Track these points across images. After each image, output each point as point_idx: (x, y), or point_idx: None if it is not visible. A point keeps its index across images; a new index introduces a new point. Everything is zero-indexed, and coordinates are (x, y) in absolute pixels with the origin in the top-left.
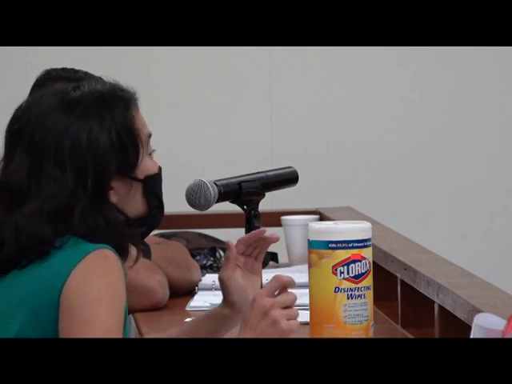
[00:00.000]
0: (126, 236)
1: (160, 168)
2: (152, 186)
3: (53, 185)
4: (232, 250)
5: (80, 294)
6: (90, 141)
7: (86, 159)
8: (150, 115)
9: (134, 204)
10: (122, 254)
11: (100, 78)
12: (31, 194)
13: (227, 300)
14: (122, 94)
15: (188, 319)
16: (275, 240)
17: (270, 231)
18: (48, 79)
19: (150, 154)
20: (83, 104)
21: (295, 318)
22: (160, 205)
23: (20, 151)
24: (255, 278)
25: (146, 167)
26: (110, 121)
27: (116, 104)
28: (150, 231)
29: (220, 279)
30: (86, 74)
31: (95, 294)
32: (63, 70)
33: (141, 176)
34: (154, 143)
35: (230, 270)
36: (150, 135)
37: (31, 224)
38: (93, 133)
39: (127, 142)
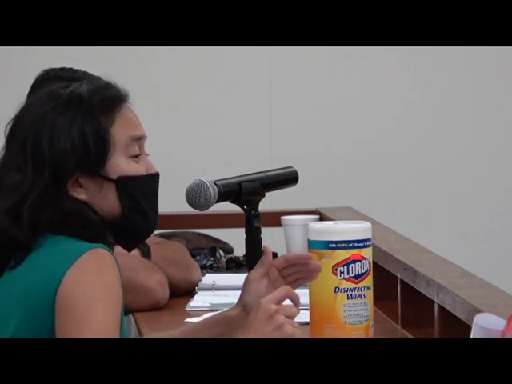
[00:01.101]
0: (88, 225)
1: (152, 173)
2: (126, 187)
3: (17, 174)
4: (267, 254)
5: (75, 293)
6: (53, 136)
7: (44, 150)
8: (150, 115)
9: (107, 203)
10: (96, 242)
11: (98, 77)
12: (2, 188)
13: (242, 301)
14: (105, 96)
15: (188, 319)
16: (317, 270)
17: (269, 231)
18: (47, 79)
19: (136, 157)
20: (60, 100)
21: (297, 327)
22: (138, 208)
23: (5, 143)
24: None
25: (119, 168)
26: (79, 120)
27: (92, 106)
28: (132, 237)
29: (246, 278)
30: (85, 73)
31: (91, 294)
32: (62, 69)
33: (113, 176)
34: (154, 143)
35: (260, 273)
36: (137, 138)
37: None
38: (57, 127)
39: (90, 141)
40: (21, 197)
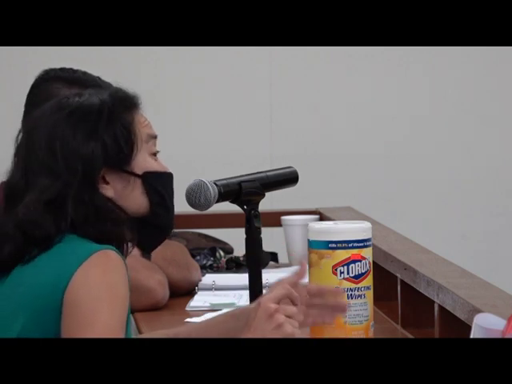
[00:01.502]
0: (116, 224)
1: (168, 172)
2: (152, 182)
3: (46, 178)
4: (303, 268)
5: (82, 294)
6: (81, 137)
7: (75, 151)
8: (150, 115)
9: (133, 199)
10: (117, 244)
11: (109, 83)
12: (28, 189)
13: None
14: (124, 96)
15: (188, 319)
16: (342, 309)
17: (269, 231)
18: (46, 80)
19: (155, 155)
20: (79, 107)
21: (296, 327)
22: (163, 202)
23: (19, 151)
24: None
25: (144, 164)
26: (104, 121)
27: (114, 106)
28: (157, 233)
29: (281, 279)
30: (85, 73)
31: (97, 294)
32: (62, 69)
33: (139, 171)
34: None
35: (293, 280)
36: (153, 136)
37: (32, 213)
38: (84, 130)
39: (121, 138)
40: (60, 193)
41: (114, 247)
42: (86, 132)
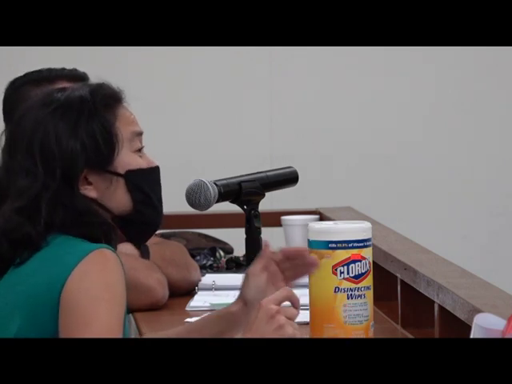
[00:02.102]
0: (100, 224)
1: (153, 166)
2: (135, 180)
3: (25, 178)
4: (265, 249)
5: (80, 293)
6: (60, 137)
7: (54, 152)
8: (150, 115)
9: (117, 199)
10: (106, 243)
11: (64, 68)
12: (9, 191)
13: (242, 295)
14: (106, 93)
15: (188, 319)
16: (314, 263)
17: (269, 231)
18: (15, 89)
19: (139, 151)
20: (61, 103)
21: (296, 328)
22: (147, 200)
23: (2, 150)
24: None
25: (126, 162)
26: (84, 120)
27: (95, 104)
28: (144, 230)
29: (246, 272)
30: (50, 69)
31: (95, 294)
32: (25, 74)
33: (121, 170)
34: (154, 143)
35: (259, 267)
36: (138, 133)
37: (8, 221)
38: (63, 129)
39: (100, 138)
40: (34, 197)
41: (110, 246)
42: (67, 131)
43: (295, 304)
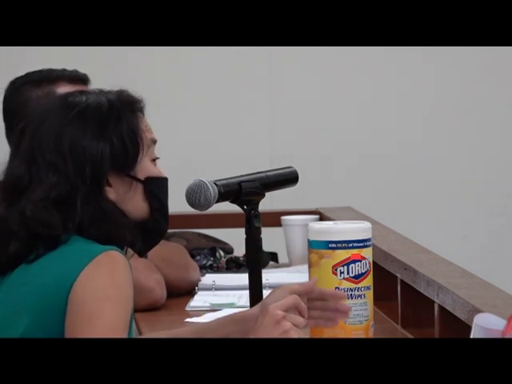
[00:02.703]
0: (121, 227)
1: (165, 177)
2: (153, 188)
3: (53, 175)
4: (312, 283)
5: (86, 293)
6: (89, 138)
7: (84, 152)
8: (150, 115)
9: (134, 204)
10: (120, 245)
11: (64, 69)
12: (32, 185)
13: (265, 299)
14: (130, 99)
15: (188, 319)
16: (345, 312)
17: (269, 231)
18: (15, 89)
19: (154, 161)
20: (88, 105)
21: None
22: (162, 208)
23: (23, 148)
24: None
25: (147, 169)
26: (113, 122)
27: (123, 108)
28: (153, 238)
29: (285, 285)
30: (50, 70)
31: (102, 294)
32: (26, 74)
33: (141, 176)
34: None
35: (294, 290)
36: (154, 141)
37: (40, 210)
38: (93, 131)
39: (127, 140)
40: (68, 193)
41: (119, 248)
42: (95, 132)
43: (302, 313)
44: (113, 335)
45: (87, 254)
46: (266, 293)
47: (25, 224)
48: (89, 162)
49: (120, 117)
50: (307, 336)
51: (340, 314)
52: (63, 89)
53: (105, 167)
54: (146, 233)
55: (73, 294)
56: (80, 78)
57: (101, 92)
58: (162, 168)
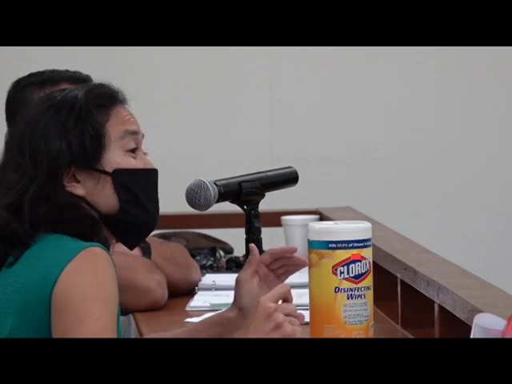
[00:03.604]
0: (85, 221)
1: (149, 168)
2: (123, 179)
3: (15, 172)
4: (254, 253)
5: (71, 292)
6: (47, 134)
7: (41, 148)
8: (151, 115)
9: (104, 197)
10: (98, 241)
11: (67, 70)
12: (1, 188)
13: (237, 303)
14: (99, 93)
15: (188, 319)
16: (303, 264)
17: (269, 231)
18: (19, 89)
19: (133, 152)
20: (55, 103)
21: (297, 325)
22: (135, 200)
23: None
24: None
25: (115, 161)
26: (74, 118)
27: (87, 104)
28: (133, 231)
29: (237, 279)
30: (53, 71)
31: (87, 293)
32: (30, 75)
33: (109, 169)
34: (154, 143)
35: (250, 273)
36: (132, 132)
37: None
38: (52, 126)
39: (86, 138)
40: (21, 192)
41: (100, 244)
42: (56, 128)
43: (289, 301)
44: (102, 335)
45: (68, 251)
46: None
47: None
48: (44, 157)
49: (81, 113)
50: (304, 332)
51: (300, 265)
52: None
53: (62, 162)
54: (120, 226)
55: (56, 293)
56: (83, 80)
57: (77, 88)
58: (153, 162)
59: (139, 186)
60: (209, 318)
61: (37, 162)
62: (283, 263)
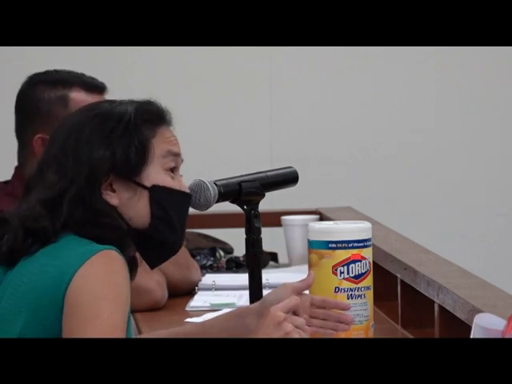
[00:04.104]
0: (114, 230)
1: (184, 191)
2: (159, 196)
3: (56, 172)
4: (309, 279)
5: (84, 293)
6: (93, 142)
7: (84, 153)
8: None
9: (137, 210)
10: (118, 249)
11: (83, 74)
12: (37, 184)
13: (265, 297)
14: (149, 109)
15: (188, 319)
16: (348, 322)
17: (269, 231)
18: (31, 85)
19: (172, 171)
20: (103, 111)
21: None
22: (166, 218)
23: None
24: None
25: (154, 177)
26: (118, 131)
27: (136, 118)
28: (158, 249)
29: (284, 284)
30: (69, 72)
31: (98, 293)
32: (45, 73)
33: (147, 184)
34: None
35: (294, 289)
36: (173, 154)
37: (31, 210)
38: (100, 135)
39: (131, 149)
40: (60, 192)
41: (115, 248)
42: (101, 136)
43: (298, 314)
44: (111, 335)
45: (84, 253)
46: (265, 293)
47: (20, 220)
48: (87, 163)
49: (129, 126)
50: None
51: (342, 324)
52: (77, 94)
53: (102, 170)
54: (148, 242)
55: (69, 294)
56: (97, 87)
57: (127, 102)
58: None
59: (173, 205)
60: (229, 311)
61: (78, 166)
62: (326, 316)
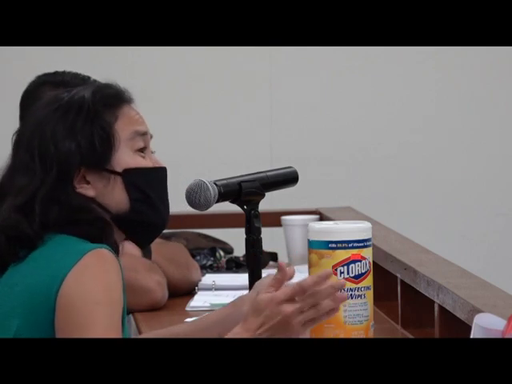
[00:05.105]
0: (97, 223)
1: (158, 167)
2: (133, 178)
3: (24, 175)
4: (284, 273)
5: (76, 294)
6: (57, 136)
7: (50, 150)
8: (151, 115)
9: (115, 197)
10: (107, 242)
11: (94, 80)
12: (9, 190)
13: (242, 297)
14: (106, 93)
15: (188, 319)
16: (342, 299)
17: (269, 231)
18: (37, 85)
19: (142, 151)
20: (63, 104)
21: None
22: (146, 199)
23: (12, 151)
24: None
25: (125, 161)
26: (82, 119)
27: (95, 104)
28: (145, 230)
29: (257, 283)
30: (76, 75)
31: (92, 296)
32: (54, 74)
33: (118, 169)
34: (154, 143)
35: (267, 290)
36: (141, 133)
37: (7, 219)
38: (61, 128)
39: (96, 138)
40: (31, 194)
41: (108, 246)
42: (65, 130)
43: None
44: (108, 337)
45: (75, 253)
46: None
47: (1, 230)
48: (54, 159)
49: (89, 114)
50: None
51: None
52: None
53: (71, 164)
54: (131, 225)
55: (61, 296)
56: None
57: (83, 88)
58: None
59: (149, 184)
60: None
61: (47, 164)
62: (316, 301)
